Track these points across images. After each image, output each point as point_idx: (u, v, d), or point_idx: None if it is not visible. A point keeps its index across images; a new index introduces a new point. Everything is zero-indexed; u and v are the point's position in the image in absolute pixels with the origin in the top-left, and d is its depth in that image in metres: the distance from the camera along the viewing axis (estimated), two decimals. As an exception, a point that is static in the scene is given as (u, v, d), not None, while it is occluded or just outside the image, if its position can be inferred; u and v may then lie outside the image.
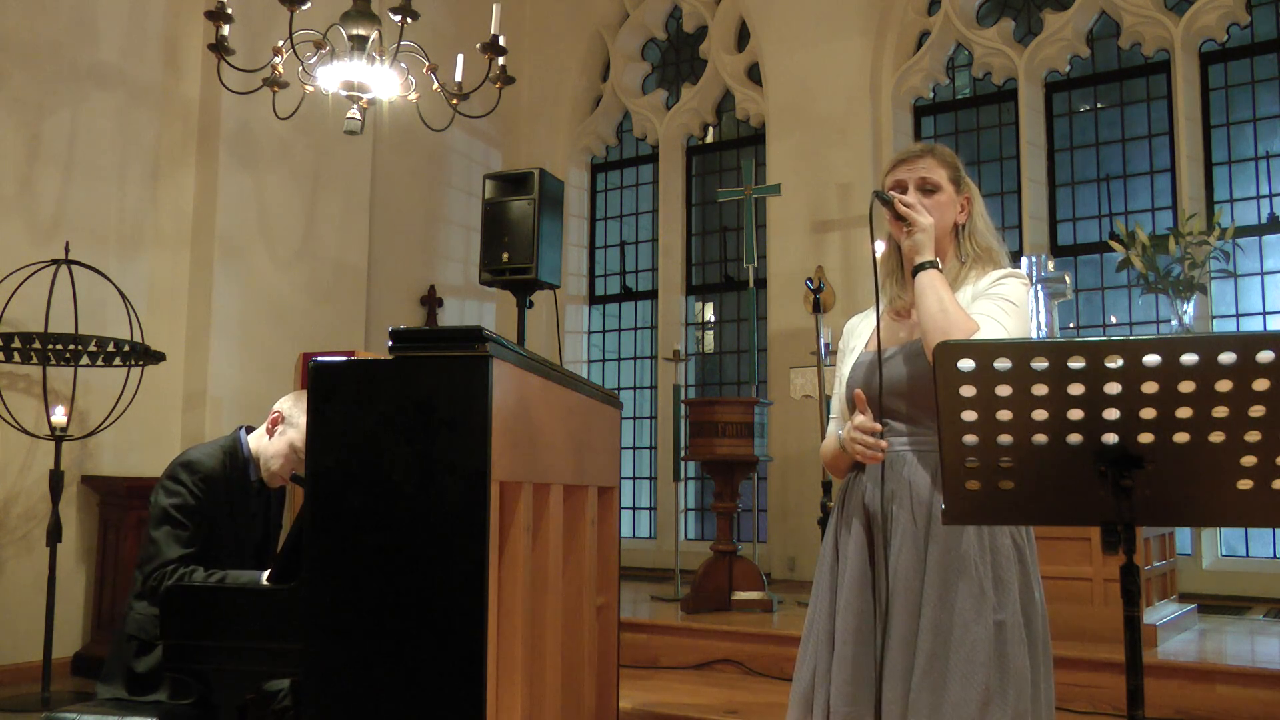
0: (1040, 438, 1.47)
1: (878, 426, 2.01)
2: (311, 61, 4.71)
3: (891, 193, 2.11)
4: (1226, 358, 1.35)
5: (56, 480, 4.77)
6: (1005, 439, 1.48)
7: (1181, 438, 1.43)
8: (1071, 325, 6.70)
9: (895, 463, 2.06)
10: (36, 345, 4.82)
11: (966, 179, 2.19)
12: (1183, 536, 5.84)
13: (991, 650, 1.91)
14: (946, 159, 2.17)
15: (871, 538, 2.06)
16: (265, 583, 2.45)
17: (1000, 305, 2.03)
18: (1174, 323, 5.80)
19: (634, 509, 8.30)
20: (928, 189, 2.13)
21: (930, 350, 1.95)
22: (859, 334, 2.24)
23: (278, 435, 2.86)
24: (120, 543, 5.24)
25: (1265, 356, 1.34)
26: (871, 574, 2.05)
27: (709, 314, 8.53)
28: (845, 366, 2.20)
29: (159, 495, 2.69)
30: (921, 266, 2.05)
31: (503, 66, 4.85)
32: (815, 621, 2.13)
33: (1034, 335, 5.46)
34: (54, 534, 4.68)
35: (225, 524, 2.74)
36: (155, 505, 2.68)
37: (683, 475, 6.67)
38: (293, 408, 2.88)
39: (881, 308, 2.18)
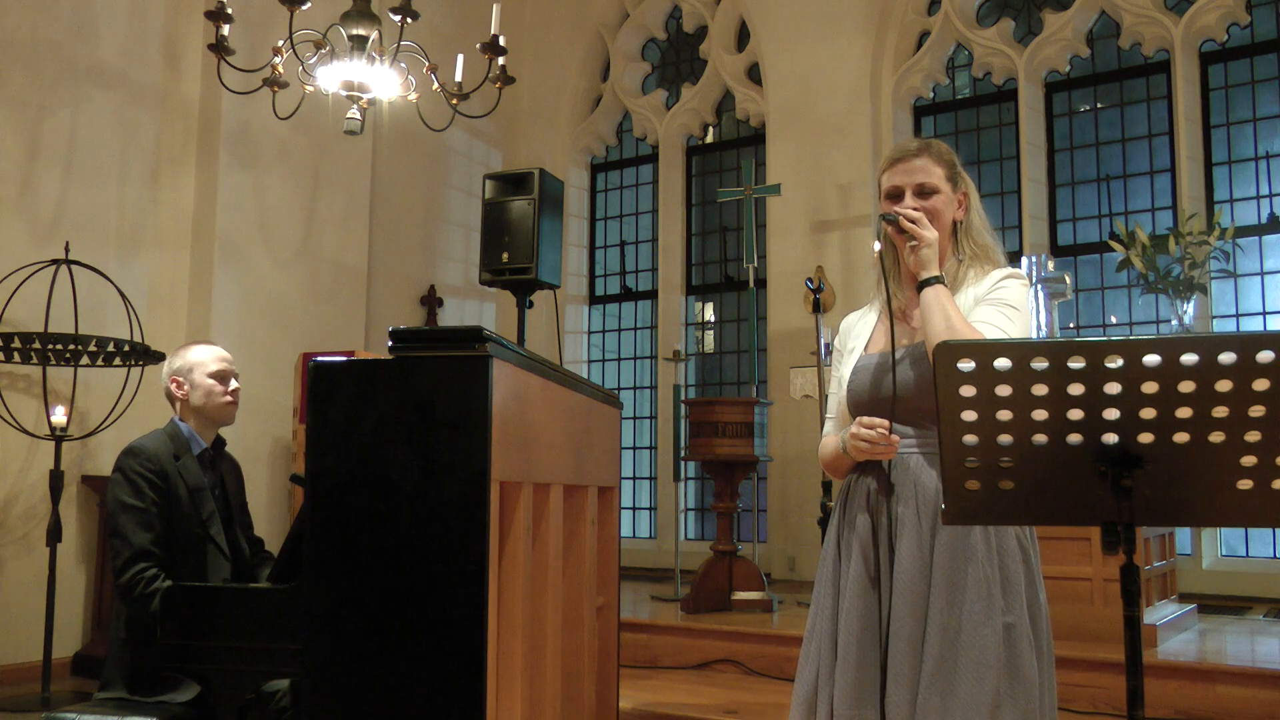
0: (1040, 438, 1.47)
1: (884, 422, 1.99)
2: (311, 61, 4.71)
3: (895, 210, 2.08)
4: (1226, 358, 1.35)
5: (56, 480, 4.77)
6: (1005, 439, 1.48)
7: (1181, 438, 1.43)
8: (1071, 325, 6.69)
9: (900, 464, 2.06)
10: (36, 345, 4.82)
11: (963, 174, 2.17)
12: (1183, 536, 5.84)
13: (1001, 652, 1.91)
14: (943, 156, 2.15)
15: (875, 539, 2.06)
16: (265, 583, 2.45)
17: (1003, 311, 2.03)
18: (1174, 323, 5.80)
19: (634, 509, 8.30)
20: (925, 193, 2.11)
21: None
22: (857, 334, 2.22)
23: (191, 390, 2.87)
24: (120, 543, 5.24)
25: (1265, 356, 1.34)
26: (876, 575, 2.04)
27: (709, 314, 8.53)
28: (845, 368, 2.18)
29: (111, 490, 2.70)
30: (927, 282, 2.03)
31: (503, 66, 4.85)
32: (818, 623, 2.12)
33: (1033, 335, 5.46)
34: (54, 534, 4.68)
35: (185, 499, 2.73)
36: (111, 500, 2.69)
37: (683, 475, 6.67)
38: (171, 365, 2.90)
39: (880, 308, 2.18)
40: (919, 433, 2.05)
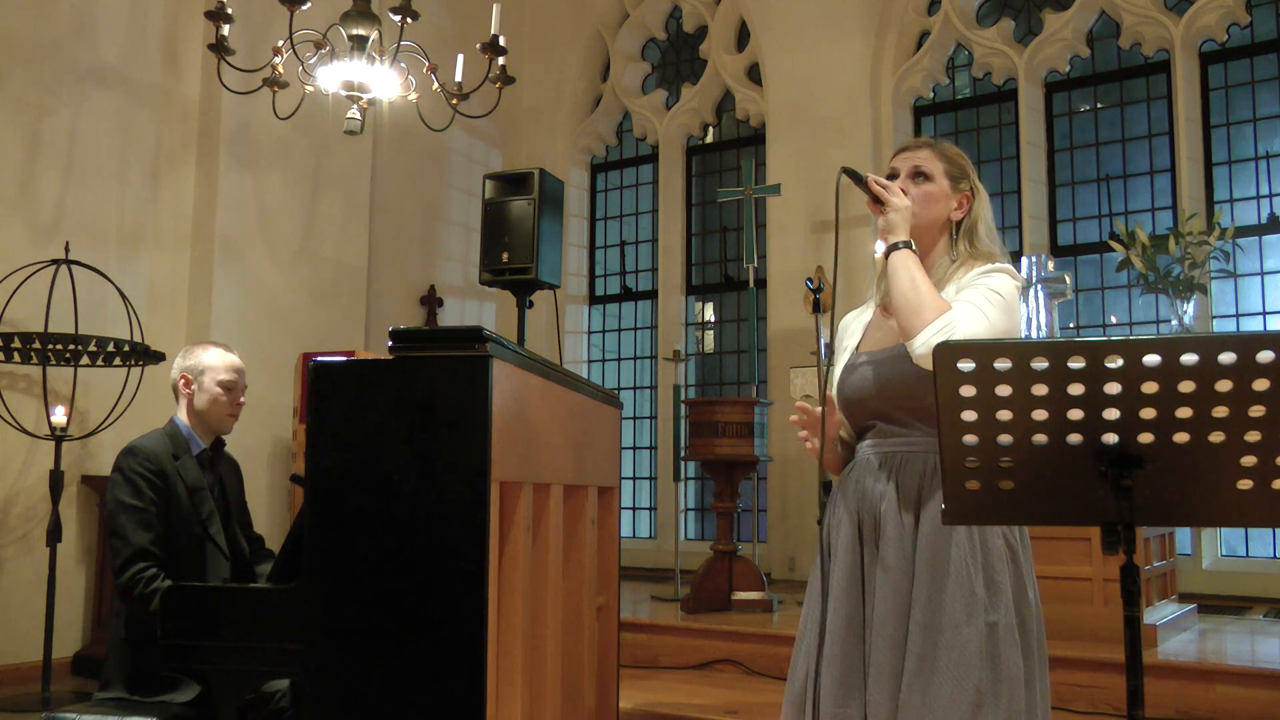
0: (1040, 438, 1.47)
1: (807, 407, 2.06)
2: (311, 61, 4.71)
3: (867, 173, 2.08)
4: (1226, 358, 1.35)
5: (56, 480, 4.77)
6: (1005, 439, 1.48)
7: (1181, 438, 1.43)
8: (1071, 325, 6.69)
9: (885, 464, 2.06)
10: (36, 345, 4.82)
11: (974, 180, 2.16)
12: (1183, 536, 5.84)
13: (984, 651, 1.89)
14: (948, 154, 2.15)
15: (861, 538, 2.06)
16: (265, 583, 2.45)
17: (985, 295, 1.98)
18: (1174, 323, 5.80)
19: (634, 509, 8.30)
20: (919, 176, 2.11)
21: (906, 337, 1.95)
22: (852, 332, 2.23)
23: (197, 392, 2.87)
24: (120, 543, 5.24)
25: (1265, 356, 1.34)
26: (861, 574, 2.05)
27: (709, 314, 8.53)
28: (838, 367, 2.20)
29: (110, 489, 2.70)
30: (895, 247, 2.02)
31: (503, 66, 4.85)
32: (808, 622, 2.12)
33: (1033, 335, 5.46)
34: (54, 534, 4.68)
35: (184, 499, 2.73)
36: (110, 500, 2.69)
37: (683, 475, 6.67)
38: (184, 361, 2.89)
39: (874, 306, 2.19)
40: (903, 431, 2.06)
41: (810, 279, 5.47)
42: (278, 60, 4.76)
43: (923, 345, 1.88)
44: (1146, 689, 1.56)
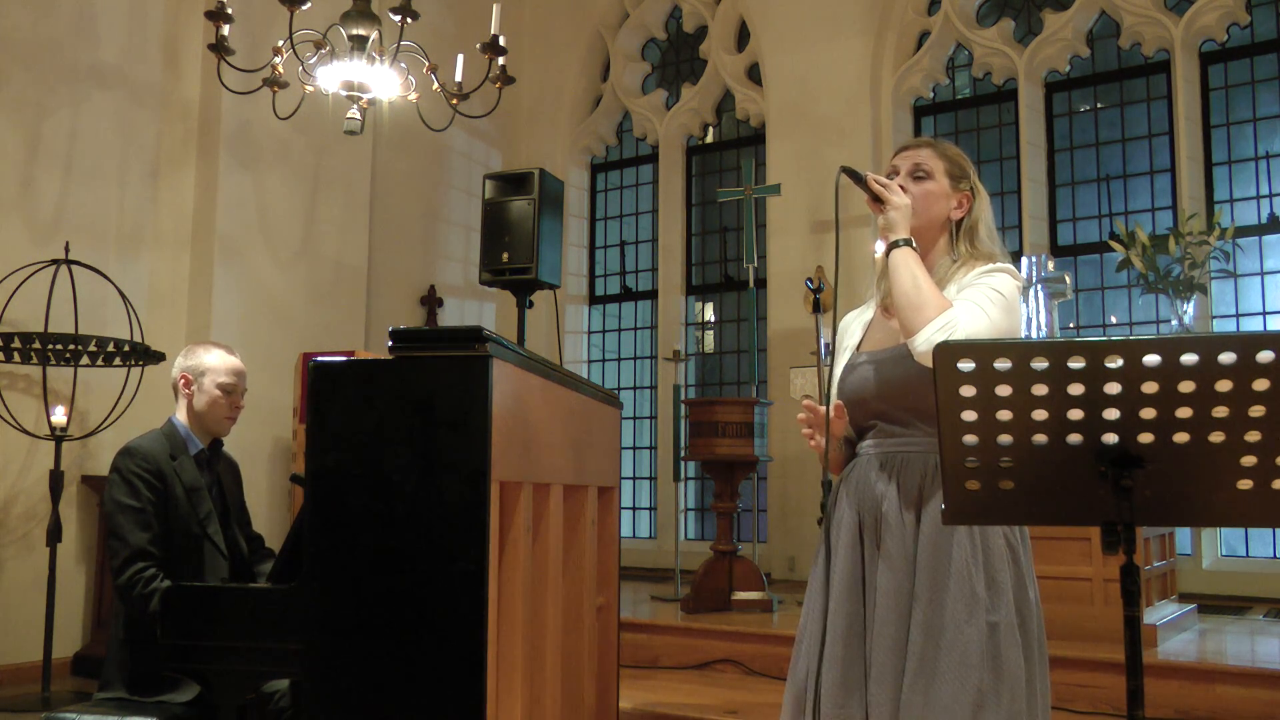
0: (1040, 438, 1.47)
1: (814, 406, 2.02)
2: (311, 61, 4.71)
3: (866, 172, 2.08)
4: (1226, 358, 1.35)
5: (56, 480, 4.78)
6: (1005, 439, 1.48)
7: (1181, 438, 1.43)
8: (1071, 325, 6.69)
9: (886, 463, 2.06)
10: (36, 345, 4.82)
11: (974, 180, 2.16)
12: (1183, 536, 5.84)
13: (985, 651, 1.89)
14: (947, 153, 2.15)
15: (862, 538, 2.06)
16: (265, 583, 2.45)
17: (987, 294, 1.98)
18: (1174, 323, 5.79)
19: (634, 509, 8.30)
20: (919, 174, 2.11)
21: (908, 334, 1.95)
22: (852, 333, 2.23)
23: (196, 393, 2.87)
24: (120, 543, 5.23)
25: (1265, 356, 1.34)
26: (862, 574, 2.04)
27: (709, 314, 8.53)
28: (838, 367, 2.20)
29: (108, 490, 2.70)
30: (895, 244, 2.02)
31: (503, 66, 4.85)
32: (808, 623, 2.12)
33: (1033, 335, 5.46)
34: (54, 534, 4.68)
35: (182, 499, 2.73)
36: (108, 501, 2.69)
37: (683, 475, 6.67)
38: (186, 360, 2.89)
39: (874, 306, 2.19)
40: (904, 431, 2.05)
41: (810, 279, 5.47)
42: (278, 60, 4.76)
43: (924, 342, 1.89)
44: (1146, 689, 1.56)
